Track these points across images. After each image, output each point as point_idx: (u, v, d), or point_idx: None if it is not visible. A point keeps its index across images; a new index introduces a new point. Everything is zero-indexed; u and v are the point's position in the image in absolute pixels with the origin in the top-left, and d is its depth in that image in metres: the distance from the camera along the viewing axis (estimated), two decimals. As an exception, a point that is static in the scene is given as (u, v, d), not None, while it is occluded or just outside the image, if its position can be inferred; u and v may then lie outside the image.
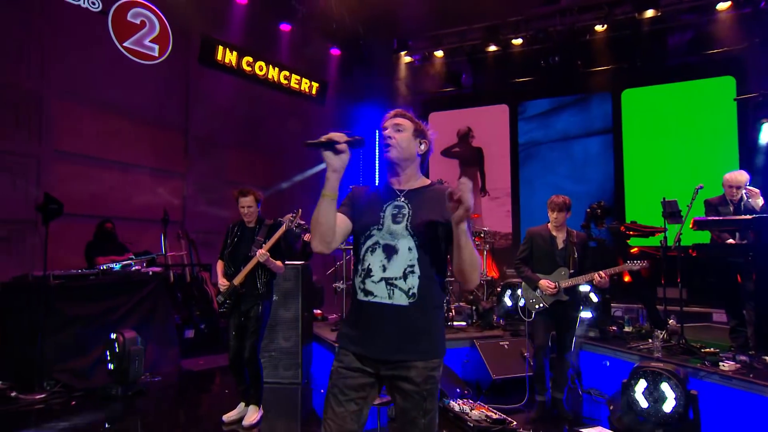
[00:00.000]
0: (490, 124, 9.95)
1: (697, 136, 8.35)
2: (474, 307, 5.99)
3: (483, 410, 3.94)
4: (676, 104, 8.54)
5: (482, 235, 6.18)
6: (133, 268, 5.76)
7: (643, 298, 5.66)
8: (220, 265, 4.10)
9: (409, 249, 1.98)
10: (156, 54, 6.37)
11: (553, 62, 8.85)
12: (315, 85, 8.72)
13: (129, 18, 6.08)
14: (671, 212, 4.80)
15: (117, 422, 4.10)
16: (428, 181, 2.15)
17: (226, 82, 8.25)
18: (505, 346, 5.05)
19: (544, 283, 4.05)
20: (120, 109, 7.24)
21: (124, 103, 7.23)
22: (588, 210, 6.24)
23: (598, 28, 8.56)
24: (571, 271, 4.09)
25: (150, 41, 6.23)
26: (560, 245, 4.16)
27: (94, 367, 4.82)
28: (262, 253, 3.80)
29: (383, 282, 1.97)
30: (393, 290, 1.96)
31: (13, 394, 4.53)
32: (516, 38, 9.11)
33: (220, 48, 7.13)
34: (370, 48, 9.65)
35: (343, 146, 1.89)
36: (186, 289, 6.99)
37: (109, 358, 4.78)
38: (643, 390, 3.62)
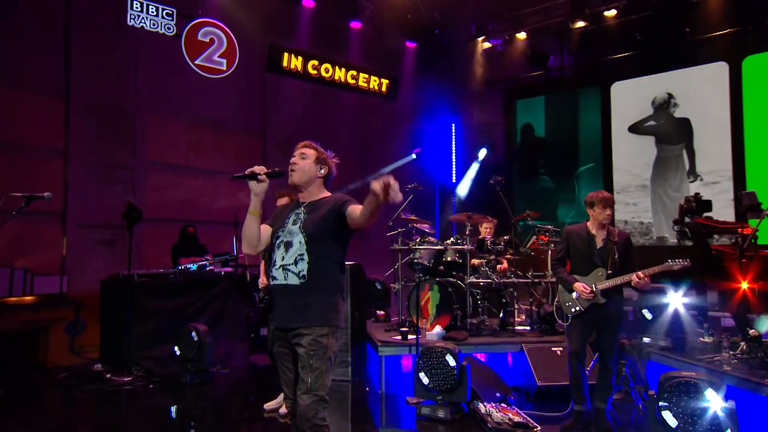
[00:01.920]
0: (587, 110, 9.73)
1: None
2: (537, 311, 6.13)
3: (509, 413, 4.21)
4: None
5: (546, 233, 6.28)
6: (207, 269, 6.82)
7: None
8: (263, 265, 4.84)
9: (300, 243, 2.76)
10: (224, 68, 7.42)
11: (653, 33, 8.43)
12: (384, 82, 9.31)
13: (199, 37, 7.20)
14: (750, 205, 4.58)
15: (179, 404, 5.05)
16: (327, 194, 2.94)
17: (300, 87, 9.18)
18: (558, 352, 5.17)
19: (579, 286, 4.17)
20: (204, 121, 8.49)
21: (207, 115, 8.45)
22: (682, 204, 5.96)
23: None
24: (609, 272, 4.15)
25: (218, 56, 7.29)
26: (599, 244, 4.24)
27: (171, 356, 5.87)
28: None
29: (281, 268, 2.76)
30: (287, 273, 2.74)
31: (108, 375, 5.73)
32: (608, 10, 8.85)
33: (286, 55, 8.01)
34: (446, 36, 9.99)
35: (263, 177, 2.73)
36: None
37: (182, 348, 5.79)
38: (670, 405, 3.62)
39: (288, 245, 2.76)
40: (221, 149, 8.72)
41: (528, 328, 6.08)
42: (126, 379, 5.65)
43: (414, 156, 10.49)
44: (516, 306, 6.48)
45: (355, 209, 2.71)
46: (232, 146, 8.89)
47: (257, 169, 2.72)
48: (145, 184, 7.85)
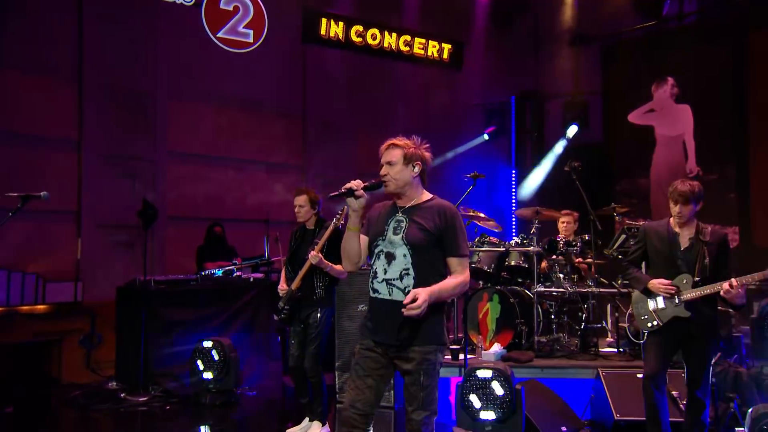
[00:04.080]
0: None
1: None
2: (626, 328, 6.10)
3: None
4: None
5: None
6: (235, 274, 7.32)
7: None
8: (283, 270, 5.22)
9: (404, 255, 3.14)
10: (250, 40, 7.84)
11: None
12: (446, 47, 9.43)
13: (222, 5, 7.66)
14: None
15: (197, 429, 5.53)
16: (428, 197, 3.29)
17: (344, 58, 9.51)
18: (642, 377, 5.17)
19: (657, 282, 4.16)
20: (233, 103, 9.05)
21: (236, 96, 8.99)
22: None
23: None
24: (697, 279, 4.13)
25: (244, 27, 7.72)
26: (684, 244, 4.23)
27: (191, 374, 6.38)
28: (313, 255, 4.77)
29: (384, 282, 3.17)
30: (392, 288, 3.14)
31: (123, 395, 6.33)
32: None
33: (324, 20, 8.32)
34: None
35: (360, 192, 3.09)
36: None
37: (203, 366, 6.27)
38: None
39: (390, 257, 3.16)
40: (254, 135, 9.23)
41: (615, 350, 6.08)
42: (141, 399, 6.21)
43: (486, 137, 10.57)
44: (602, 323, 6.48)
45: (452, 263, 3.17)
46: (267, 131, 9.39)
47: (354, 184, 3.08)
48: (166, 177, 8.48)
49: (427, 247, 3.12)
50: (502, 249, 6.34)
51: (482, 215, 6.59)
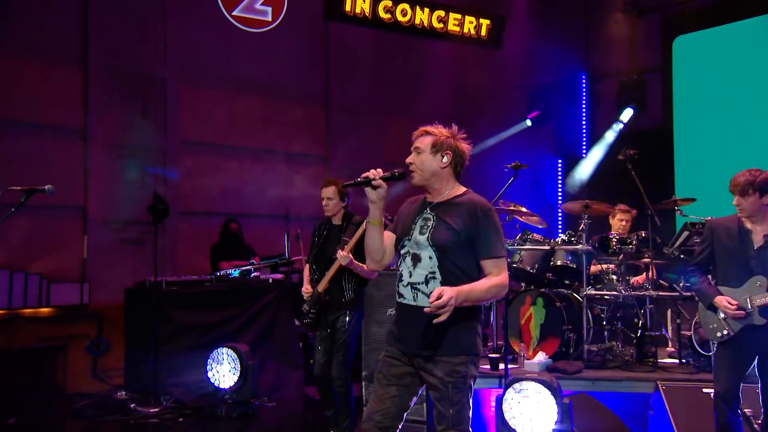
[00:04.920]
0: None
1: None
2: (690, 337, 5.96)
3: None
4: None
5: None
6: (253, 275, 7.32)
7: None
8: (306, 270, 5.18)
9: (430, 258, 3.11)
10: (269, 18, 7.80)
11: None
12: (484, 23, 9.29)
13: (239, -20, 7.65)
14: None
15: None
16: (461, 191, 3.23)
17: (371, 37, 9.46)
18: (712, 394, 5.03)
19: (721, 300, 4.08)
20: (250, 88, 9.08)
21: (254, 79, 9.01)
22: None
23: None
24: (773, 281, 4.03)
25: (261, 4, 7.69)
26: (758, 243, 4.11)
27: (205, 382, 6.40)
28: (343, 255, 4.72)
29: (409, 286, 3.15)
30: (417, 294, 3.12)
31: (132, 405, 6.37)
32: None
33: (348, -6, 8.24)
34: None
35: (378, 182, 3.05)
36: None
37: (218, 375, 6.29)
38: None
39: (416, 258, 3.14)
40: (272, 122, 9.26)
41: (676, 360, 5.95)
42: (153, 410, 6.23)
43: (529, 122, 10.44)
44: (662, 330, 6.34)
45: (486, 266, 3.09)
46: (287, 118, 9.40)
47: (372, 173, 3.05)
48: (178, 169, 8.52)
49: (455, 248, 3.08)
50: (547, 247, 6.23)
51: (524, 210, 6.49)
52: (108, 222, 7.95)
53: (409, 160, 3.17)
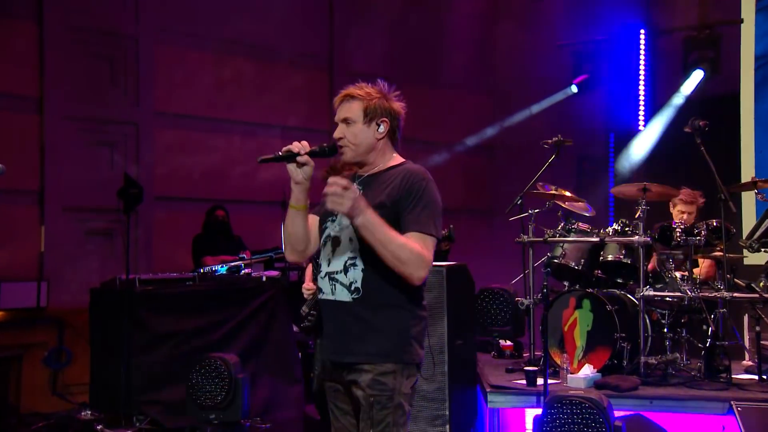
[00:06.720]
0: None
1: None
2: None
3: None
4: None
5: None
6: (243, 272, 7.33)
7: None
8: (309, 267, 5.18)
9: (350, 240, 2.92)
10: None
11: None
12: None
13: None
14: None
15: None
16: (396, 161, 3.10)
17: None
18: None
19: None
20: (239, 49, 9.11)
21: (243, 39, 9.03)
22: None
23: None
24: None
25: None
26: None
27: (186, 400, 6.41)
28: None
29: (327, 277, 2.98)
30: (335, 285, 2.94)
31: (99, 427, 6.43)
32: None
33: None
34: None
35: (304, 158, 2.86)
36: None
37: (203, 390, 6.29)
38: None
39: (335, 242, 2.98)
40: (267, 89, 9.26)
41: (754, 376, 5.91)
42: (124, 432, 6.30)
43: (575, 89, 10.35)
44: (737, 340, 6.30)
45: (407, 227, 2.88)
46: (285, 84, 9.42)
47: (296, 146, 2.87)
48: (153, 146, 8.56)
49: None
50: (595, 239, 6.18)
51: (568, 194, 6.46)
52: (69, 209, 7.97)
53: (337, 134, 3.00)
